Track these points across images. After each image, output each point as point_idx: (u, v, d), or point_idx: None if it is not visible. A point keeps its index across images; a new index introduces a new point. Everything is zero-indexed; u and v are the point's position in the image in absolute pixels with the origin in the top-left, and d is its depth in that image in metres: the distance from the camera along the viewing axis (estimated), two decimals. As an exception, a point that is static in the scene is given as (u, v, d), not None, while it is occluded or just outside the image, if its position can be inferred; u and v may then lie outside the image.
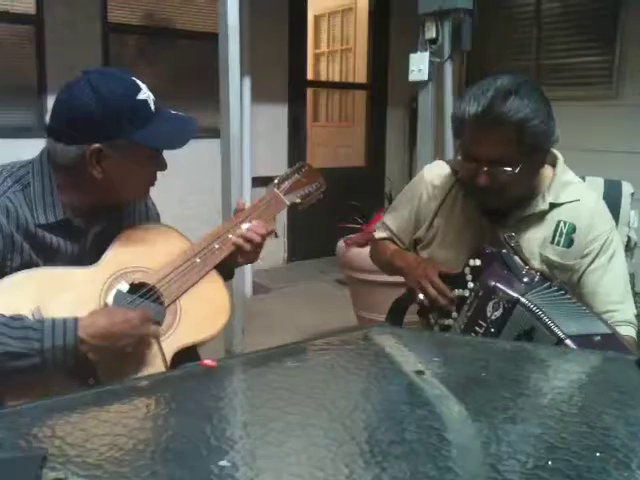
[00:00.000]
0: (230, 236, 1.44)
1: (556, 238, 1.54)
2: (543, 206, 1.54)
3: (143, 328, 1.27)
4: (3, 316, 1.19)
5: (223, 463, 0.72)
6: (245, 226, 1.46)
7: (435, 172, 1.70)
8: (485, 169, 1.44)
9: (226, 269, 1.48)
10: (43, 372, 1.20)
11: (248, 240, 1.45)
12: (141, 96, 1.29)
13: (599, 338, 1.29)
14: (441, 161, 1.76)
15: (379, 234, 1.83)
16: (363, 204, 4.23)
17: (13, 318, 1.19)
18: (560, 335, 1.27)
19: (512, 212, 1.55)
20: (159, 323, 1.33)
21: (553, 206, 1.55)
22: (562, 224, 1.54)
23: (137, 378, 1.20)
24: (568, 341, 1.27)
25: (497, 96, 1.40)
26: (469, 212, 1.61)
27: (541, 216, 1.55)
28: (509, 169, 1.43)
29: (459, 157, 1.53)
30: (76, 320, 1.21)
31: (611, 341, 1.30)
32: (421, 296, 1.51)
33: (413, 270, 1.57)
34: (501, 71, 1.53)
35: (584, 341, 1.28)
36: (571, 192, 1.56)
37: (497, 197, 1.49)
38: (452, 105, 3.16)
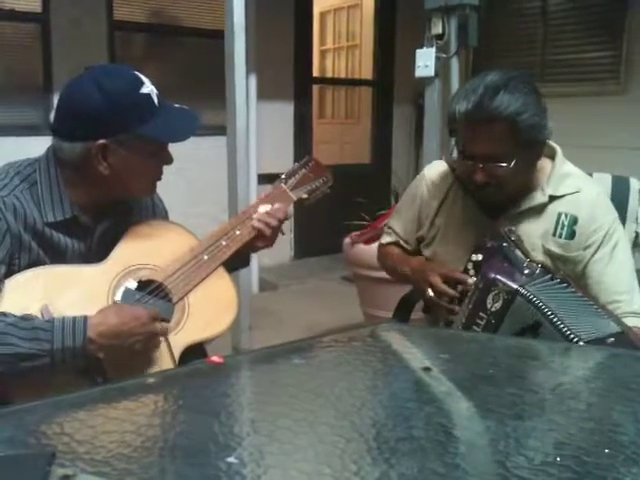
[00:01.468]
0: (237, 232, 1.45)
1: (558, 230, 1.54)
2: (542, 199, 1.54)
3: (152, 326, 1.28)
4: (13, 316, 1.19)
5: (231, 460, 0.72)
6: (263, 208, 1.48)
7: (434, 171, 1.71)
8: (481, 166, 1.45)
9: (243, 255, 1.50)
10: (53, 371, 1.20)
11: (267, 224, 1.47)
12: (144, 90, 1.29)
13: (612, 340, 1.29)
14: (440, 160, 1.77)
15: (385, 239, 1.84)
16: (369, 201, 4.23)
17: (23, 318, 1.19)
18: (574, 340, 1.27)
19: (511, 206, 1.56)
20: (167, 320, 1.34)
21: (553, 198, 1.55)
22: (563, 216, 1.54)
23: (145, 375, 1.20)
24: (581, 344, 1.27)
25: (486, 92, 1.40)
26: (469, 209, 1.61)
27: (541, 209, 1.55)
28: (504, 164, 1.43)
29: (455, 155, 1.54)
30: (85, 319, 1.22)
31: (623, 340, 1.29)
32: (430, 292, 1.54)
33: (416, 276, 1.63)
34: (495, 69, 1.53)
35: (598, 344, 1.27)
36: (571, 184, 1.56)
37: (495, 192, 1.49)
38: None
